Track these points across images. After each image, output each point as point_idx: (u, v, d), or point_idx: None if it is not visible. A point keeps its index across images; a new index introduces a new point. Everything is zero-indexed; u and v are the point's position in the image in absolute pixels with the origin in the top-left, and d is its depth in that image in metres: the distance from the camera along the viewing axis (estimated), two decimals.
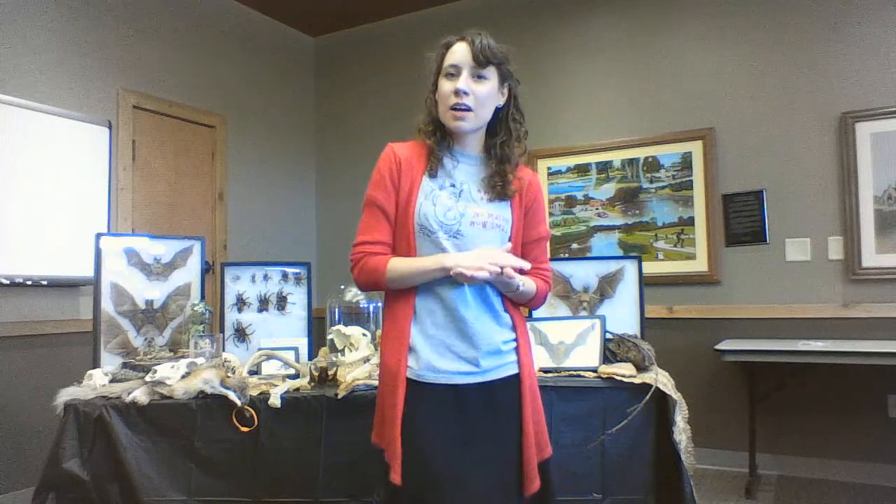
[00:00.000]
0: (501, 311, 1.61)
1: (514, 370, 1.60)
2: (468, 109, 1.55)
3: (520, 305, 1.69)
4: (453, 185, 1.61)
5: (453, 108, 1.56)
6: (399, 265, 1.56)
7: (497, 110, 1.63)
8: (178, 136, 4.31)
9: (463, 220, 1.57)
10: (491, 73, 1.58)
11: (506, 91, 1.63)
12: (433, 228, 1.56)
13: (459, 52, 1.58)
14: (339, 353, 2.44)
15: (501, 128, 1.64)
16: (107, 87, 3.86)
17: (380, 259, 1.58)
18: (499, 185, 1.60)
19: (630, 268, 2.69)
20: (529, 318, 2.54)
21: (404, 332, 1.56)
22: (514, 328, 1.63)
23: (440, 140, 1.63)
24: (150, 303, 2.65)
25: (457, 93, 1.55)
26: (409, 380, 1.55)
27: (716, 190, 3.94)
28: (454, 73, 1.57)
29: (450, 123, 1.58)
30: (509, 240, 1.63)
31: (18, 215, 3.33)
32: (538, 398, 1.64)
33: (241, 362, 2.49)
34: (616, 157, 4.22)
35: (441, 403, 1.53)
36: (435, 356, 1.54)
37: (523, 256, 1.65)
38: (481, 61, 1.55)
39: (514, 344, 1.62)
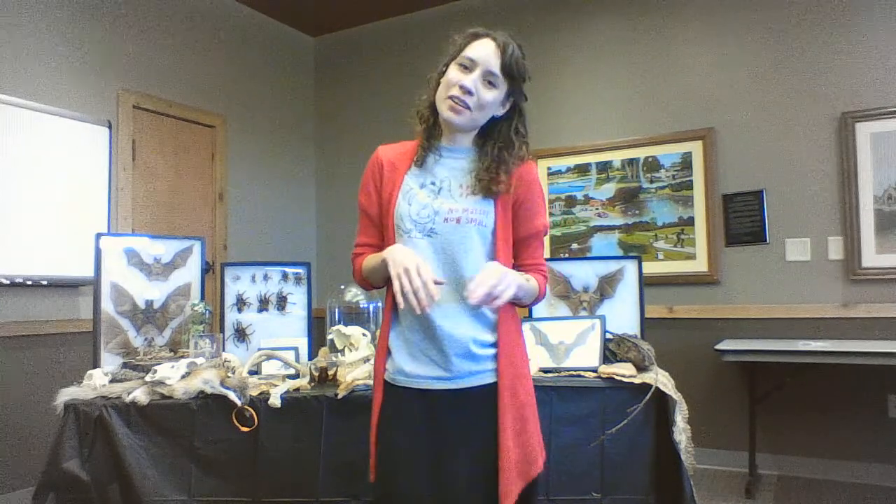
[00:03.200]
0: (482, 309, 1.49)
1: (490, 379, 1.50)
2: (467, 108, 1.49)
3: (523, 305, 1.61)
4: (433, 183, 1.57)
5: (452, 99, 1.49)
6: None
7: (495, 118, 1.57)
8: (178, 136, 4.31)
9: (436, 218, 1.52)
10: (504, 84, 1.52)
11: (508, 105, 1.57)
12: (406, 228, 1.53)
13: (483, 50, 1.50)
14: (339, 353, 2.44)
15: (501, 137, 1.57)
16: (107, 87, 3.86)
17: (360, 259, 1.65)
18: (484, 180, 1.52)
19: (630, 268, 2.69)
20: (529, 317, 2.53)
21: (385, 334, 1.59)
22: (495, 329, 1.52)
23: (431, 129, 1.58)
24: (150, 303, 2.64)
25: (462, 88, 1.48)
26: (386, 382, 1.56)
27: (716, 190, 3.94)
28: (469, 66, 1.50)
29: (443, 111, 1.52)
30: (492, 238, 1.54)
31: (18, 215, 3.32)
32: (527, 408, 1.52)
33: (241, 362, 2.49)
34: (616, 157, 4.22)
35: (411, 409, 1.51)
36: (407, 360, 1.53)
37: (517, 254, 1.60)
38: (505, 72, 1.50)
39: (492, 350, 1.51)
